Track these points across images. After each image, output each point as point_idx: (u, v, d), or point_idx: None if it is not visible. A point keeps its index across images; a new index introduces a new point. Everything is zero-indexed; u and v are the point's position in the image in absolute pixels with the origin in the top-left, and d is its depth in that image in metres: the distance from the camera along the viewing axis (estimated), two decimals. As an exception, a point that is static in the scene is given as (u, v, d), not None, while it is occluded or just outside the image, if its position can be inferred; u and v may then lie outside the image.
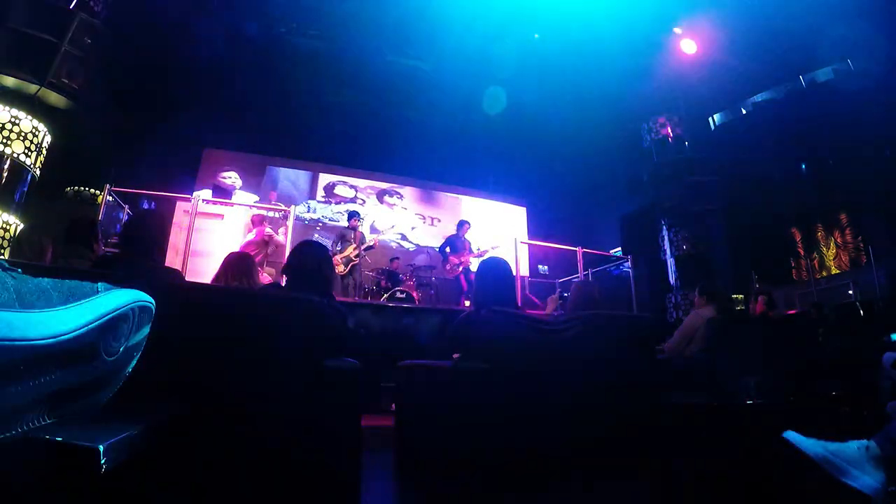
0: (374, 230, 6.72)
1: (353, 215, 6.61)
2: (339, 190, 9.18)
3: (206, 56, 6.93)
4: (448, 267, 6.72)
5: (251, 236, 5.72)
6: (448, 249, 6.72)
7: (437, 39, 7.06)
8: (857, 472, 1.16)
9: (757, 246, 8.20)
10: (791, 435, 1.26)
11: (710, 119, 8.21)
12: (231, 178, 5.78)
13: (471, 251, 6.62)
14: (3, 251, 3.92)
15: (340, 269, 6.19)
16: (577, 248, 6.30)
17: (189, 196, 5.43)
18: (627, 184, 8.17)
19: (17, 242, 3.96)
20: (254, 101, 8.13)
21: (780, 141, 7.71)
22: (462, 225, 6.85)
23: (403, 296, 6.23)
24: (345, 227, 6.66)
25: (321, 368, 1.59)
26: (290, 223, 5.35)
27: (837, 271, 7.70)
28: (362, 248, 6.47)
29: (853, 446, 1.22)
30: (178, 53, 6.75)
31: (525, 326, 2.11)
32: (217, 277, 2.52)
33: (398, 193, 9.63)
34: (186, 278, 3.03)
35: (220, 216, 6.92)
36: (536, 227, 9.91)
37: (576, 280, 5.27)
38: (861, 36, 6.20)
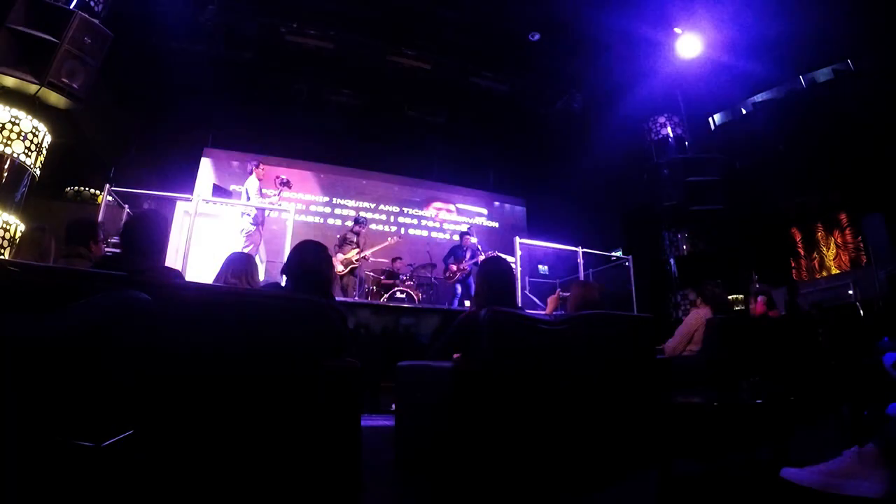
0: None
1: (359, 220, 6.67)
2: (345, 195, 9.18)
3: (207, 56, 6.93)
4: (447, 274, 6.87)
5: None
6: (451, 260, 6.92)
7: (436, 39, 7.05)
8: (857, 482, 1.18)
9: (757, 246, 8.20)
10: (787, 472, 1.29)
11: (710, 119, 8.20)
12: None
13: (474, 256, 6.72)
14: (3, 251, 3.92)
15: (340, 269, 6.20)
16: (577, 248, 6.31)
17: (189, 196, 5.43)
18: (627, 184, 8.17)
19: (21, 242, 3.96)
20: (254, 101, 8.13)
21: (779, 141, 7.70)
22: (463, 236, 7.05)
23: (403, 296, 6.23)
24: (349, 231, 6.69)
25: (321, 369, 1.59)
26: (289, 223, 5.35)
27: (837, 271, 7.70)
28: (365, 251, 6.50)
29: (846, 457, 1.23)
30: (178, 53, 6.75)
31: (526, 326, 2.11)
32: (217, 277, 2.53)
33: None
34: (186, 278, 3.03)
35: (220, 216, 6.92)
36: (536, 227, 9.91)
37: (576, 280, 5.27)
38: (861, 36, 6.20)
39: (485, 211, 10.16)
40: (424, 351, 2.85)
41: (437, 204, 9.78)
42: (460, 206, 9.96)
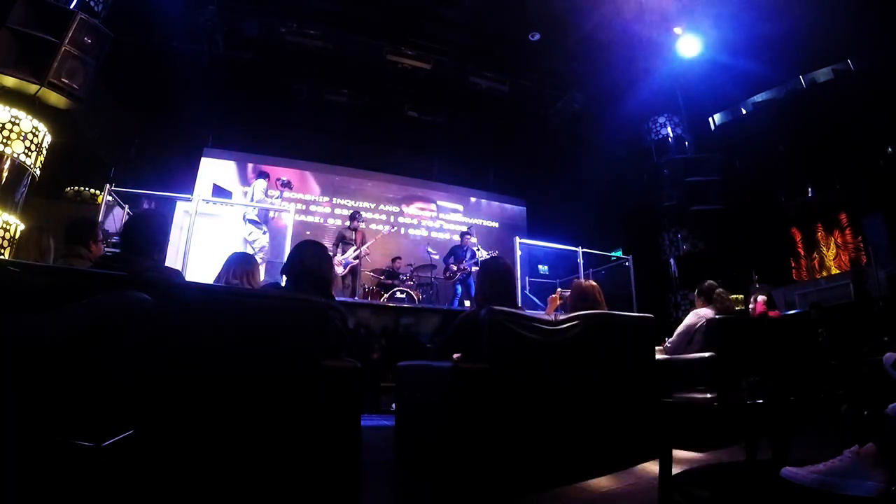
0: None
1: (354, 216, 6.63)
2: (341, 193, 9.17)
3: (207, 56, 6.93)
4: (447, 274, 6.88)
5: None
6: (451, 259, 6.94)
7: (436, 39, 7.05)
8: (855, 482, 1.19)
9: (757, 246, 8.20)
10: (787, 471, 1.29)
11: (710, 119, 8.20)
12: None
13: (473, 256, 6.72)
14: (3, 251, 3.92)
15: (340, 269, 6.19)
16: (577, 248, 6.32)
17: (189, 196, 5.43)
18: (627, 184, 8.17)
19: (20, 242, 3.95)
20: (254, 101, 8.13)
21: (780, 141, 7.70)
22: (463, 236, 7.07)
23: (403, 296, 6.23)
24: (346, 228, 6.66)
25: (321, 368, 1.59)
26: (289, 223, 5.35)
27: (837, 271, 7.69)
28: (363, 248, 6.48)
29: (846, 457, 1.24)
30: (178, 53, 6.75)
31: (526, 326, 2.11)
32: (218, 277, 2.53)
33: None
34: (186, 278, 3.02)
35: (220, 216, 6.92)
36: (536, 227, 9.91)
37: (576, 280, 5.27)
38: (861, 36, 6.20)
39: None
40: (424, 351, 2.85)
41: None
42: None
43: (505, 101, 8.15)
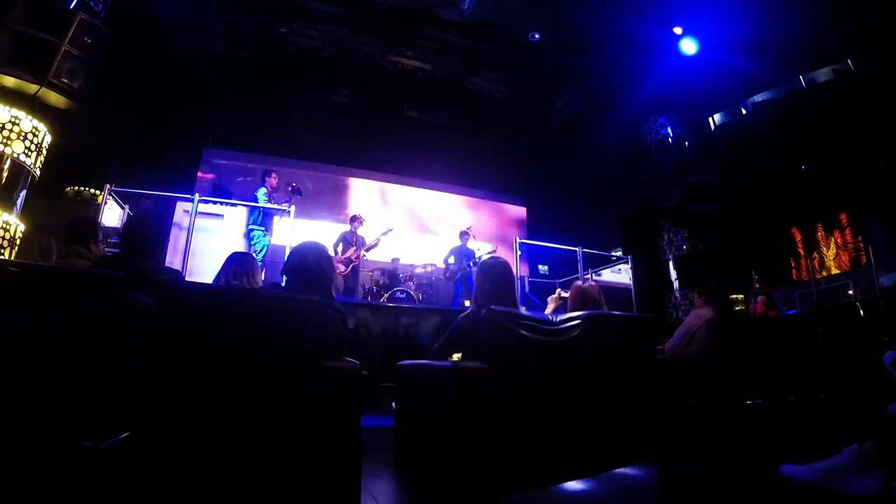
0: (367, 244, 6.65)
1: (354, 218, 6.64)
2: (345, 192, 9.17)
3: (207, 56, 6.93)
4: (447, 274, 6.88)
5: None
6: (452, 259, 6.95)
7: (436, 39, 7.05)
8: (855, 480, 1.19)
9: (757, 246, 8.20)
10: (787, 469, 1.30)
11: (710, 119, 8.20)
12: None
13: (473, 256, 6.73)
14: (3, 251, 3.92)
15: (341, 269, 6.19)
16: (577, 248, 6.32)
17: (189, 196, 5.43)
18: (627, 184, 8.17)
19: (21, 243, 3.95)
20: (254, 100, 8.12)
21: (780, 141, 7.70)
22: (463, 235, 7.07)
23: (403, 296, 6.23)
24: (346, 231, 6.66)
25: (321, 368, 1.59)
26: (290, 224, 5.35)
27: (837, 271, 7.70)
28: (363, 248, 6.48)
29: (846, 455, 1.24)
30: (178, 53, 6.75)
31: (525, 326, 2.11)
32: (218, 277, 2.53)
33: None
34: (186, 278, 3.03)
35: (220, 216, 6.93)
36: (536, 227, 9.91)
37: (576, 280, 5.28)
38: (861, 36, 6.20)
39: (485, 211, 10.08)
40: (424, 351, 2.85)
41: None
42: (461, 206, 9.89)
43: (505, 101, 8.15)
